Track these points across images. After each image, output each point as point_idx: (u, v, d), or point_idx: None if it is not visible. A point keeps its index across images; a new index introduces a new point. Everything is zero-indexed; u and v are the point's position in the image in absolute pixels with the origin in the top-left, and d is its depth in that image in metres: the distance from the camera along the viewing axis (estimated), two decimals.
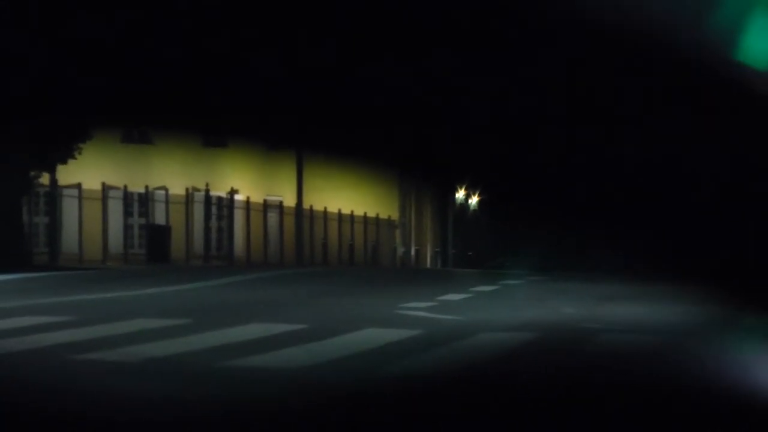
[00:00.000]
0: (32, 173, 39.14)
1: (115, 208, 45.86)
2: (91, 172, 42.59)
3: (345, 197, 54.73)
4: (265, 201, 52.23)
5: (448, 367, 11.70)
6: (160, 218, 47.63)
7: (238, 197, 50.88)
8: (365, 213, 58.43)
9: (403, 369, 11.40)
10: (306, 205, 53.67)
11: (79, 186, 43.99)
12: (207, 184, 49.50)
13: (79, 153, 38.05)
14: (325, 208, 54.72)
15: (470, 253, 68.52)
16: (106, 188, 44.89)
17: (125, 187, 46.07)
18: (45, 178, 40.93)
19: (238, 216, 51.17)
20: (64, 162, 38.51)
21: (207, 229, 49.90)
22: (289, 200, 53.41)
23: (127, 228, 46.57)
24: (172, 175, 47.50)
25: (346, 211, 56.37)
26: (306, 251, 53.55)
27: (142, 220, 47.43)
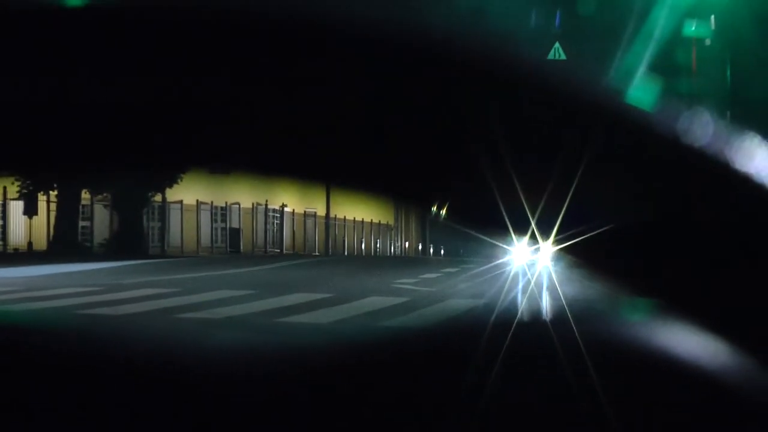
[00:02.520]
0: (149, 194, 39.29)
1: (205, 217, 46.00)
2: (189, 192, 42.64)
3: (358, 209, 54.74)
4: (305, 212, 52.35)
5: (426, 320, 11.71)
6: (234, 223, 47.76)
7: (287, 209, 51.01)
8: (371, 219, 58.51)
9: (397, 322, 11.41)
10: (332, 215, 53.72)
11: (181, 202, 44.06)
12: (266, 201, 49.60)
13: (181, 180, 38.15)
14: (345, 216, 54.81)
15: (441, 247, 68.46)
16: (199, 203, 44.98)
17: (212, 202, 46.18)
18: (158, 197, 41.05)
19: (287, 222, 51.31)
20: (170, 186, 38.63)
21: (266, 230, 50.01)
22: (321, 211, 53.46)
23: (213, 230, 46.68)
24: (242, 194, 47.58)
25: (358, 218, 56.45)
26: (331, 246, 53.57)
27: (223, 225, 47.54)
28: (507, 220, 0.68)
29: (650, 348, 0.68)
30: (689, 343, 0.65)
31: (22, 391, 0.62)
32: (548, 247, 0.73)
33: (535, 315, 0.77)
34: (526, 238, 0.73)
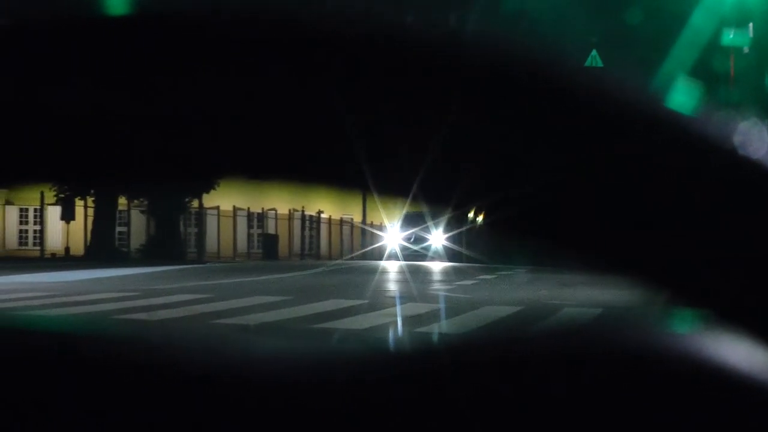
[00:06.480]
0: (186, 199, 39.46)
1: (242, 223, 46.10)
2: (225, 198, 42.77)
3: (394, 215, 54.78)
4: (341, 218, 52.41)
5: (461, 326, 11.72)
6: (271, 229, 47.82)
7: (323, 216, 51.09)
8: None
9: (431, 328, 11.41)
10: (368, 221, 53.75)
11: (218, 208, 44.20)
12: (303, 207, 49.70)
13: (218, 186, 38.18)
14: (381, 222, 54.84)
15: (476, 248, 68.29)
16: (235, 209, 45.11)
17: (248, 208, 46.30)
18: (195, 203, 41.23)
19: (323, 228, 51.39)
20: (207, 192, 38.74)
21: (302, 236, 50.07)
22: (357, 217, 53.50)
23: (249, 236, 46.77)
24: (279, 201, 47.67)
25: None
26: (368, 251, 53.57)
27: (259, 230, 47.60)
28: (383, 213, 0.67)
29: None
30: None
31: (56, 395, 0.62)
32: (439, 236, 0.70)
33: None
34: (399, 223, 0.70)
